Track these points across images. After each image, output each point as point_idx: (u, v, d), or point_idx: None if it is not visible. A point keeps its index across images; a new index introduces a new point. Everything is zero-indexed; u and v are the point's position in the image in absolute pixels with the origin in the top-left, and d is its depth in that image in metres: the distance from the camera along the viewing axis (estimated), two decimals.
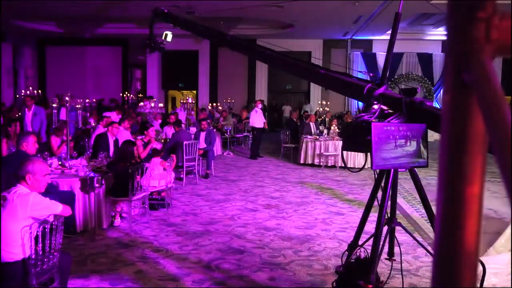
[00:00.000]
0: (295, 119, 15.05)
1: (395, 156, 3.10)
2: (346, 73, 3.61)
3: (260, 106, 12.63)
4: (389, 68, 3.43)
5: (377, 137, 3.01)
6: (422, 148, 3.17)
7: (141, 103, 15.43)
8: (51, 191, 4.75)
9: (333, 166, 10.86)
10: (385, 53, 3.34)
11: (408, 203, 7.56)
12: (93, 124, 9.89)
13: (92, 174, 5.65)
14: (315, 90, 19.37)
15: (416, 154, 3.16)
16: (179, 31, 19.08)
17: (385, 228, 3.37)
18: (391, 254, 3.55)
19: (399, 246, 3.62)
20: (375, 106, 3.23)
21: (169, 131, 10.37)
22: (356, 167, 10.28)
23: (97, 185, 5.52)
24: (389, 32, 4.03)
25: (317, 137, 11.39)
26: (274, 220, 6.52)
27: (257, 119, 12.32)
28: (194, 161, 8.99)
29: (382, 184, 3.32)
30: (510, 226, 4.55)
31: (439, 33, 17.29)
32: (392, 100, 3.17)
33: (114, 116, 10.44)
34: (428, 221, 3.48)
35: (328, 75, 3.57)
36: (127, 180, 5.66)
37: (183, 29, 4.94)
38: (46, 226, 3.36)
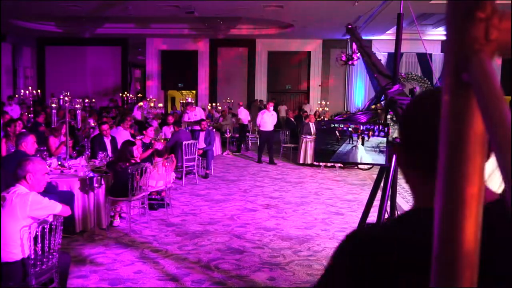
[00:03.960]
0: (292, 119, 15.08)
1: (340, 152, 3.12)
2: (388, 75, 3.62)
3: (271, 108, 11.79)
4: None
5: (321, 133, 3.07)
6: (378, 146, 3.17)
7: (140, 103, 15.42)
8: (50, 191, 4.74)
9: (333, 166, 10.86)
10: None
11: (408, 203, 7.57)
12: (93, 124, 9.89)
13: (91, 174, 5.65)
14: (315, 90, 19.38)
15: (370, 152, 3.16)
16: (178, 31, 18.95)
17: None
18: None
19: None
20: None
21: (168, 131, 10.38)
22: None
23: (96, 185, 5.51)
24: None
25: None
26: (273, 220, 6.52)
27: (264, 121, 11.55)
28: (193, 161, 9.00)
29: (382, 184, 3.32)
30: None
31: (438, 33, 17.29)
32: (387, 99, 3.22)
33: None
34: None
35: (377, 77, 3.62)
36: (126, 180, 5.66)
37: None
38: (45, 226, 3.36)
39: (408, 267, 0.72)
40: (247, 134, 14.50)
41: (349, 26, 4.13)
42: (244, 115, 14.34)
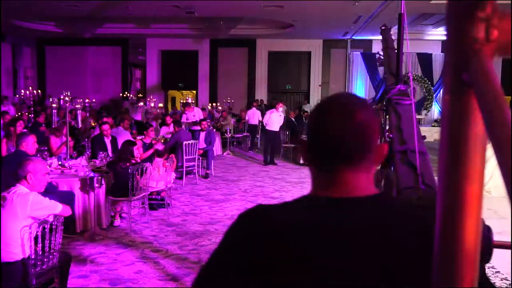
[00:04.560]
0: (292, 119, 15.08)
1: None
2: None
3: (280, 108, 11.56)
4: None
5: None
6: None
7: (141, 103, 15.43)
8: (51, 191, 4.74)
9: None
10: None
11: None
12: (93, 124, 9.90)
13: (91, 174, 5.65)
14: (315, 90, 19.38)
15: None
16: (178, 31, 18.90)
17: None
18: None
19: None
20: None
21: (165, 131, 10.41)
22: None
23: (96, 185, 5.51)
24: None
25: None
26: None
27: (271, 120, 11.31)
28: (194, 161, 8.99)
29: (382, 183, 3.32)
30: None
31: (439, 33, 17.29)
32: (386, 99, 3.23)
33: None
34: None
35: (386, 77, 3.64)
36: (127, 180, 5.66)
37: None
38: (46, 226, 3.36)
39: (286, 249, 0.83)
40: (254, 135, 14.27)
41: (383, 27, 4.14)
42: (254, 115, 13.98)
